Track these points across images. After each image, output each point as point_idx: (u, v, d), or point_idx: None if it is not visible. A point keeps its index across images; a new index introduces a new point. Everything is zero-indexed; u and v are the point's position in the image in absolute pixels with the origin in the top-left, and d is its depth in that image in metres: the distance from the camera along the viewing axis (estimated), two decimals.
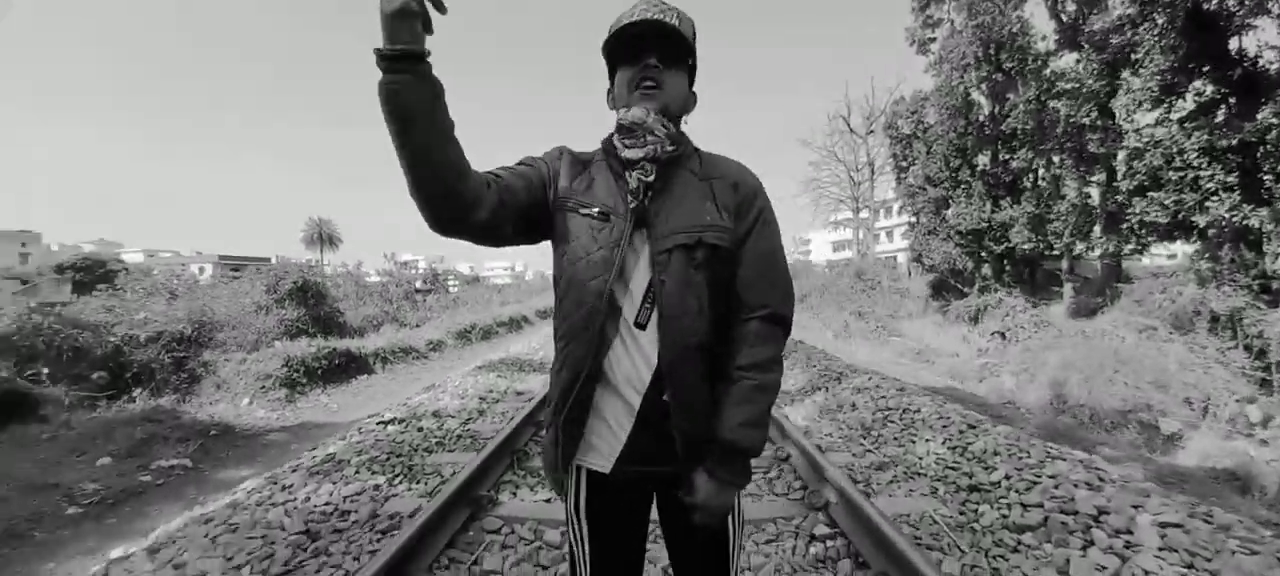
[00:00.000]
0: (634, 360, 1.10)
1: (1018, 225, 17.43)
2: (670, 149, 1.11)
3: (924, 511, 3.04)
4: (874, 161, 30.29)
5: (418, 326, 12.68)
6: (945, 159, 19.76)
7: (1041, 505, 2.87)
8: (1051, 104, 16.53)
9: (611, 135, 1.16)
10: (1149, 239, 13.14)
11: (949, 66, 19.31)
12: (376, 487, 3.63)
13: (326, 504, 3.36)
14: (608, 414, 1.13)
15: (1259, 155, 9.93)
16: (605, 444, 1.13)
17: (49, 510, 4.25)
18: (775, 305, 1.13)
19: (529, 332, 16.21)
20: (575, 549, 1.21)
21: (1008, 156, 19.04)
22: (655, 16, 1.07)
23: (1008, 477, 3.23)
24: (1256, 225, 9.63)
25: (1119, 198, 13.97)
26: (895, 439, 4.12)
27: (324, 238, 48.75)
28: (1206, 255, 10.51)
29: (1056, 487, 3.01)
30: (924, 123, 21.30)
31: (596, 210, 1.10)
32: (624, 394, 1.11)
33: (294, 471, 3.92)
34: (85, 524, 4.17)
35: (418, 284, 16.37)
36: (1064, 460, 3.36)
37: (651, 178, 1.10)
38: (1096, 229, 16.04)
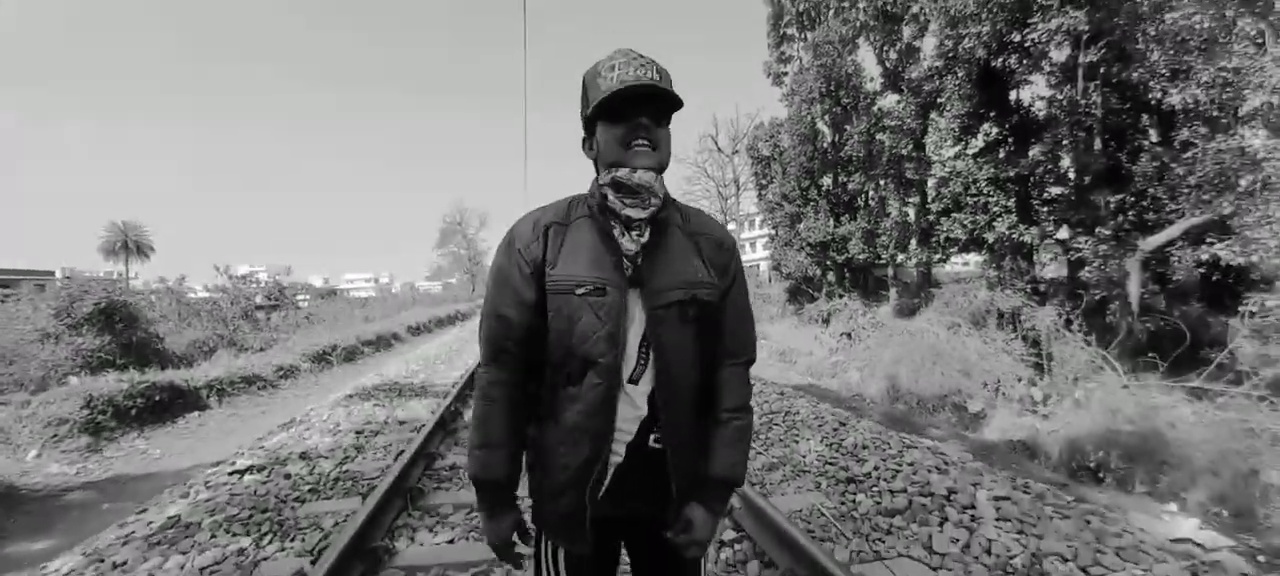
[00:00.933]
0: (623, 414, 1.12)
1: (854, 238, 20.05)
2: (661, 208, 1.13)
3: (813, 505, 3.39)
4: (739, 178, 32.77)
5: (262, 350, 11.08)
6: (797, 180, 22.05)
7: (905, 491, 3.36)
8: (878, 136, 19.29)
9: (600, 192, 1.13)
10: (952, 250, 15.88)
11: (799, 98, 21.62)
12: (241, 552, 3.15)
13: None
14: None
15: (1030, 184, 12.54)
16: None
17: None
18: (750, 353, 1.25)
19: (402, 351, 14.94)
20: None
21: (846, 179, 21.80)
22: (649, 81, 1.05)
23: (876, 468, 3.72)
24: (1029, 241, 12.14)
25: (929, 217, 16.70)
26: (780, 440, 4.52)
27: (129, 246, 40.39)
28: (994, 264, 12.99)
29: (914, 474, 3.54)
30: (779, 146, 23.55)
31: (591, 285, 1.08)
32: (612, 447, 1.15)
33: (125, 543, 3.25)
34: None
35: (258, 299, 14.29)
36: (917, 449, 3.96)
37: (646, 238, 1.12)
38: (913, 242, 19.00)
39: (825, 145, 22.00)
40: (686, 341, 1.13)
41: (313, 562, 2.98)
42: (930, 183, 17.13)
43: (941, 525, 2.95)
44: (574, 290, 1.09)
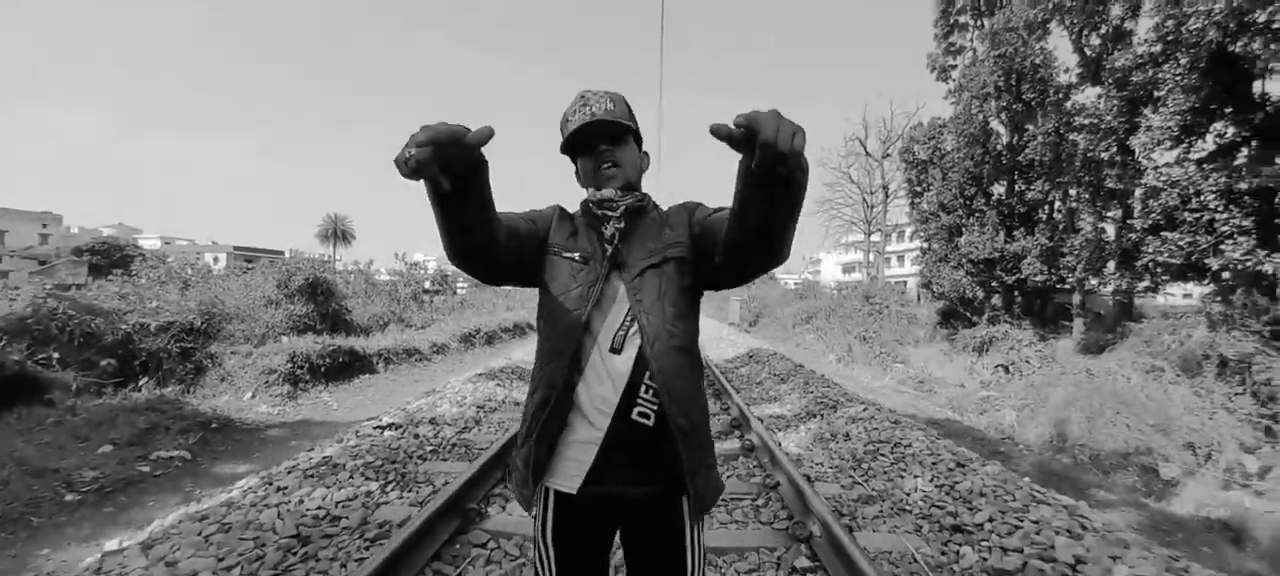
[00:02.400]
0: (603, 384, 1.21)
1: (1030, 256, 17.31)
2: (635, 205, 1.34)
3: (906, 549, 3.04)
4: (888, 185, 30.21)
5: (423, 328, 12.81)
6: (960, 186, 19.68)
7: (1021, 550, 2.86)
8: (1070, 137, 16.45)
9: (587, 202, 1.38)
10: (1163, 278, 12.99)
11: (969, 94, 19.31)
12: (369, 494, 3.69)
13: (319, 508, 3.42)
14: (576, 436, 1.22)
15: (1276, 201, 9.82)
16: (572, 466, 1.22)
17: (48, 495, 4.35)
18: None
19: (532, 339, 16.29)
20: (540, 571, 1.28)
21: (1023, 187, 18.94)
22: (596, 118, 1.27)
23: (991, 520, 3.22)
24: (1270, 270, 9.50)
25: (1134, 235, 13.83)
26: (885, 472, 4.11)
27: (338, 233, 49.35)
28: (1218, 298, 10.37)
29: (1037, 533, 3.00)
30: (941, 149, 21.24)
31: (577, 255, 1.28)
32: (591, 418, 1.21)
33: (289, 472, 3.99)
34: (83, 511, 4.27)
35: (426, 284, 16.51)
36: (1049, 505, 3.35)
37: (623, 225, 1.31)
38: (1110, 265, 15.87)
39: (999, 147, 19.37)
40: (665, 295, 1.24)
41: (417, 511, 3.39)
42: (1137, 194, 14.18)
43: None
44: (562, 253, 1.30)
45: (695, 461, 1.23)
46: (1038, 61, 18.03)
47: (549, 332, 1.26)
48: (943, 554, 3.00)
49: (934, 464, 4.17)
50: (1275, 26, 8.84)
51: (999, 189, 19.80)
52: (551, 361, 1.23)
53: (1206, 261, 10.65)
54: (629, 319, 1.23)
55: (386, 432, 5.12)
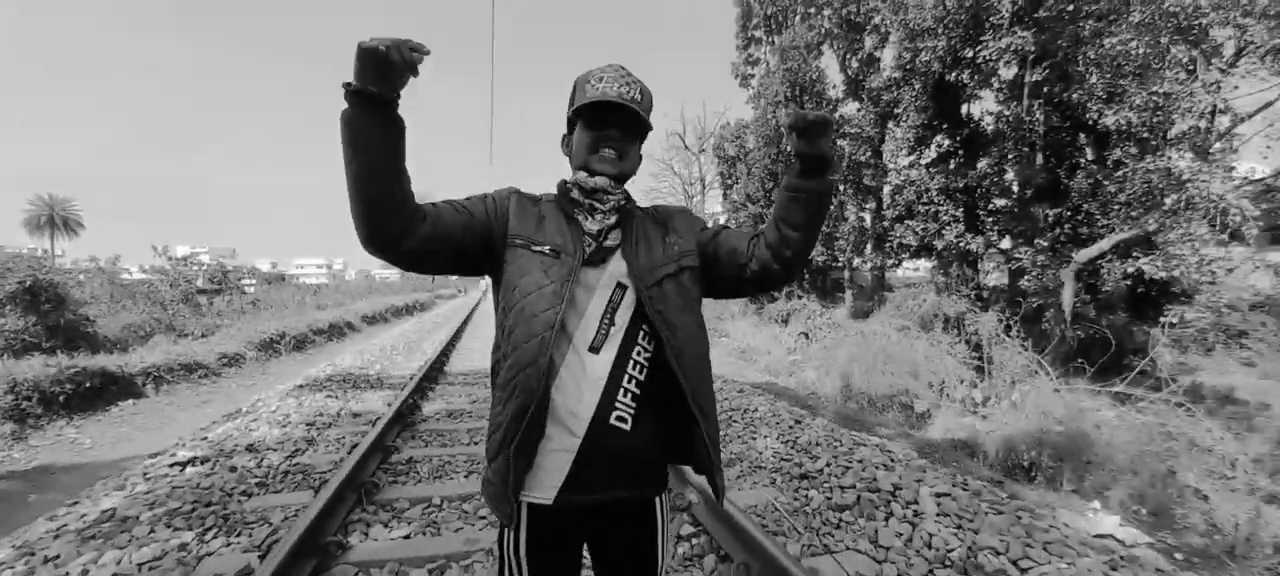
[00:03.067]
0: (579, 387, 1.15)
1: None
2: (623, 203, 1.27)
3: (767, 501, 3.51)
4: (705, 177, 33.11)
5: (204, 336, 10.55)
6: (762, 181, 22.43)
7: (854, 487, 3.52)
8: (839, 143, 19.91)
9: (567, 185, 1.27)
10: (904, 256, 16.54)
11: (764, 100, 22.01)
12: (184, 546, 3.03)
13: (115, 575, 2.72)
14: (552, 444, 1.15)
15: (977, 195, 13.20)
16: (548, 476, 1.16)
17: None
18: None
19: (357, 341, 14.44)
20: None
21: None
22: (625, 99, 1.18)
23: (828, 465, 3.88)
24: (974, 249, 12.78)
25: (884, 223, 17.36)
26: (739, 437, 4.65)
27: (56, 221, 37.42)
28: (942, 271, 13.61)
29: (863, 470, 3.71)
30: (745, 147, 23.92)
31: (548, 248, 1.18)
32: (568, 424, 1.15)
33: (56, 537, 3.08)
34: None
35: (200, 283, 13.58)
36: (866, 446, 4.15)
37: (613, 222, 1.23)
38: (868, 247, 19.66)
39: (788, 149, 22.51)
40: (688, 305, 1.22)
41: (261, 558, 2.90)
42: (886, 190, 17.79)
43: (887, 520, 3.12)
44: (530, 246, 1.19)
45: (716, 458, 1.25)
46: (814, 77, 21.32)
47: (520, 333, 1.14)
48: (795, 499, 3.53)
49: (777, 423, 4.84)
50: (978, 61, 11.80)
51: None
52: (526, 366, 1.11)
53: (934, 242, 13.90)
54: (607, 317, 1.18)
55: (188, 469, 4.21)
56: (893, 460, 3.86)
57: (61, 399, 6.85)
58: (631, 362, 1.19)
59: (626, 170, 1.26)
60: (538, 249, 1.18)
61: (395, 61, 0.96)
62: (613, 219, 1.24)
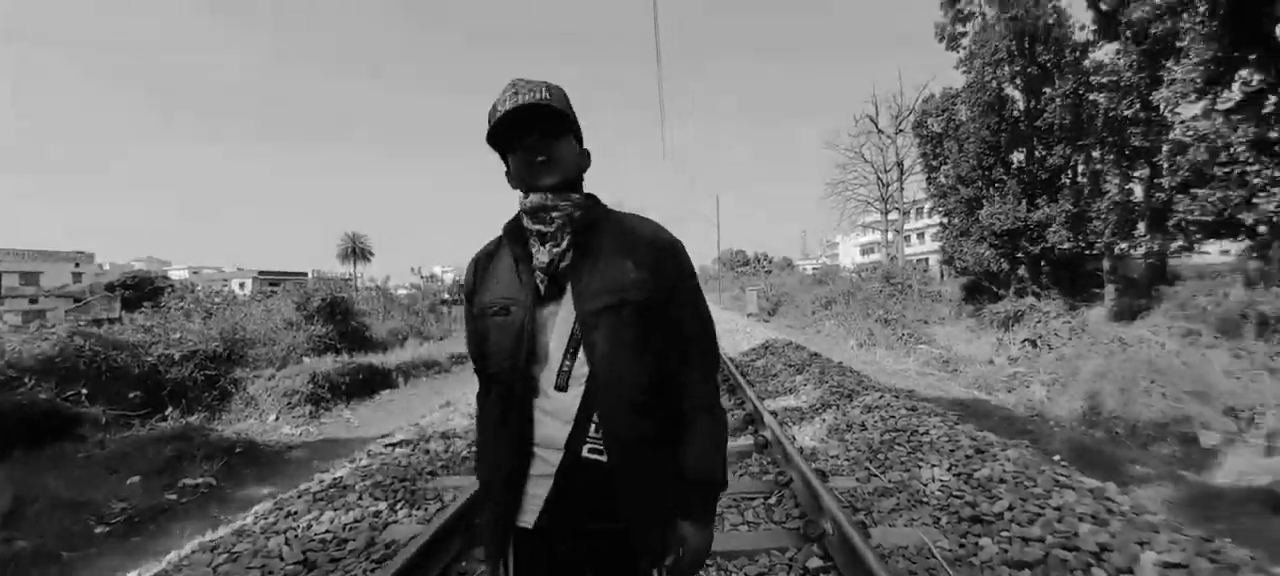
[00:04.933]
0: (551, 420, 1.12)
1: (1055, 224, 16.77)
2: (581, 214, 1.15)
3: (923, 543, 2.93)
4: (903, 161, 29.58)
5: (441, 339, 12.94)
6: (978, 157, 19.16)
7: (1043, 539, 2.73)
8: (1090, 97, 15.89)
9: (517, 218, 1.20)
10: (1196, 237, 12.46)
11: (981, 61, 18.78)
12: (377, 514, 3.70)
13: (326, 531, 3.44)
14: (532, 470, 1.15)
15: None
16: (531, 502, 1.15)
17: (78, 529, 4.47)
18: (708, 355, 1.22)
19: None
20: None
21: (1044, 153, 18.37)
22: (526, 101, 1.10)
23: (1011, 508, 3.09)
24: None
25: (1163, 194, 13.33)
26: (902, 463, 3.99)
27: (357, 251, 50.23)
28: (1255, 254, 9.89)
29: (1060, 520, 2.86)
30: (955, 120, 20.70)
31: (497, 307, 1.16)
32: (544, 454, 1.13)
33: (300, 497, 4.03)
34: (112, 543, 4.38)
35: (443, 296, 16.68)
36: (1073, 490, 3.20)
37: (565, 245, 1.14)
38: (1140, 227, 15.31)
39: (1016, 114, 18.80)
40: (623, 345, 1.11)
41: (424, 529, 3.38)
42: (1163, 151, 13.64)
43: None
44: (486, 312, 1.19)
45: (646, 513, 1.13)
46: (1051, 21, 17.44)
47: (493, 391, 1.18)
48: (961, 546, 2.88)
49: (952, 451, 4.03)
50: None
51: (1018, 156, 19.21)
52: (503, 425, 1.15)
53: (1240, 216, 10.17)
54: (570, 357, 1.12)
55: (397, 450, 5.15)
56: (1110, 511, 2.90)
57: (344, 387, 8.99)
58: None
59: (568, 172, 1.16)
60: (493, 312, 1.17)
61: None
62: (564, 241, 1.13)
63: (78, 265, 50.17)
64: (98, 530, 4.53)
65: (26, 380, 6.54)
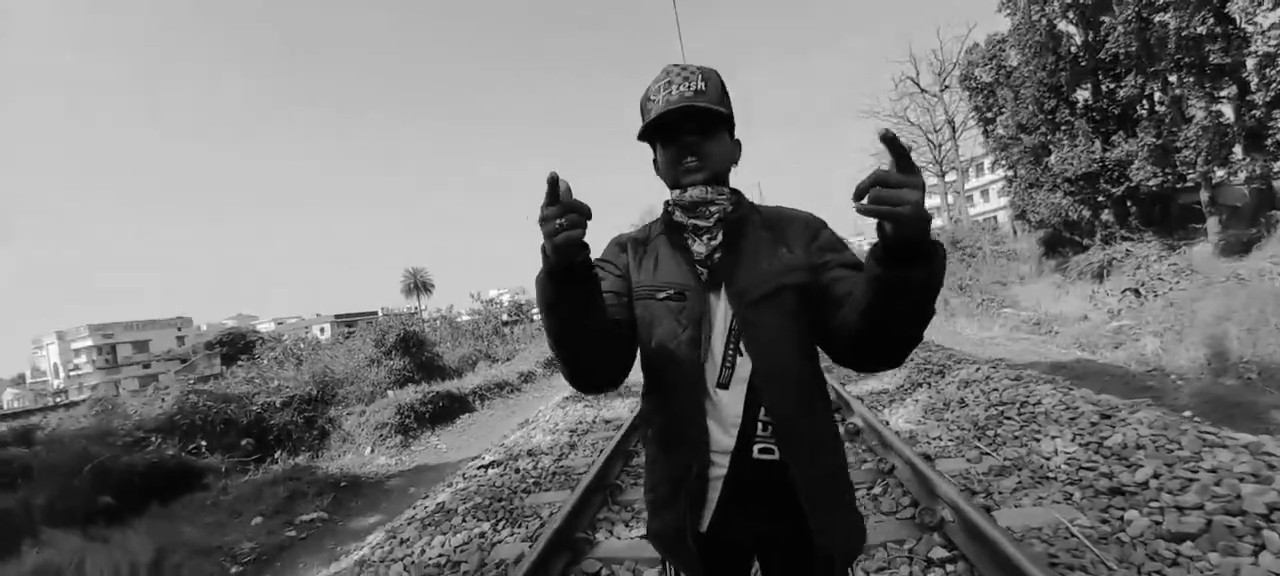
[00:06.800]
0: (716, 424, 1.09)
1: (1138, 160, 15.43)
2: (732, 210, 1.15)
3: (1058, 522, 2.71)
4: (954, 119, 28.05)
5: (508, 360, 13.31)
6: (1037, 101, 17.92)
7: (1201, 507, 2.47)
8: (1156, 18, 14.53)
9: (669, 210, 1.19)
10: None
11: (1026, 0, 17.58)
12: (482, 535, 3.80)
13: (439, 555, 3.56)
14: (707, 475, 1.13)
15: None
16: (704, 508, 1.13)
17: (215, 571, 4.84)
18: None
19: None
20: None
21: (1112, 86, 16.95)
22: (685, 103, 1.07)
23: (1157, 476, 2.82)
24: None
25: (1257, 111, 12.01)
26: (1015, 438, 3.73)
27: (419, 285, 52.64)
28: None
29: (1217, 484, 2.58)
30: (1005, 67, 19.46)
31: (672, 291, 1.12)
32: (715, 459, 1.11)
33: (409, 524, 4.20)
34: None
35: (504, 318, 17.15)
36: (1226, 448, 2.88)
37: (719, 239, 1.13)
38: (1236, 150, 13.86)
39: (1073, 49, 17.42)
40: (784, 334, 1.09)
41: (530, 547, 3.45)
42: (1249, 65, 12.30)
43: (1256, 554, 2.10)
44: (655, 294, 1.14)
45: (825, 505, 1.08)
46: None
47: (667, 382, 1.12)
48: (1102, 523, 2.65)
49: (1073, 419, 3.73)
50: None
51: (1084, 95, 17.82)
52: (681, 419, 1.10)
53: None
54: (731, 353, 1.09)
55: (489, 471, 5.29)
56: (1272, 467, 2.60)
57: (427, 415, 9.36)
58: None
59: (718, 169, 1.15)
60: (663, 296, 1.13)
61: (577, 239, 0.88)
62: (718, 236, 1.13)
63: (180, 329, 55.06)
64: (233, 570, 4.89)
65: (153, 438, 7.19)
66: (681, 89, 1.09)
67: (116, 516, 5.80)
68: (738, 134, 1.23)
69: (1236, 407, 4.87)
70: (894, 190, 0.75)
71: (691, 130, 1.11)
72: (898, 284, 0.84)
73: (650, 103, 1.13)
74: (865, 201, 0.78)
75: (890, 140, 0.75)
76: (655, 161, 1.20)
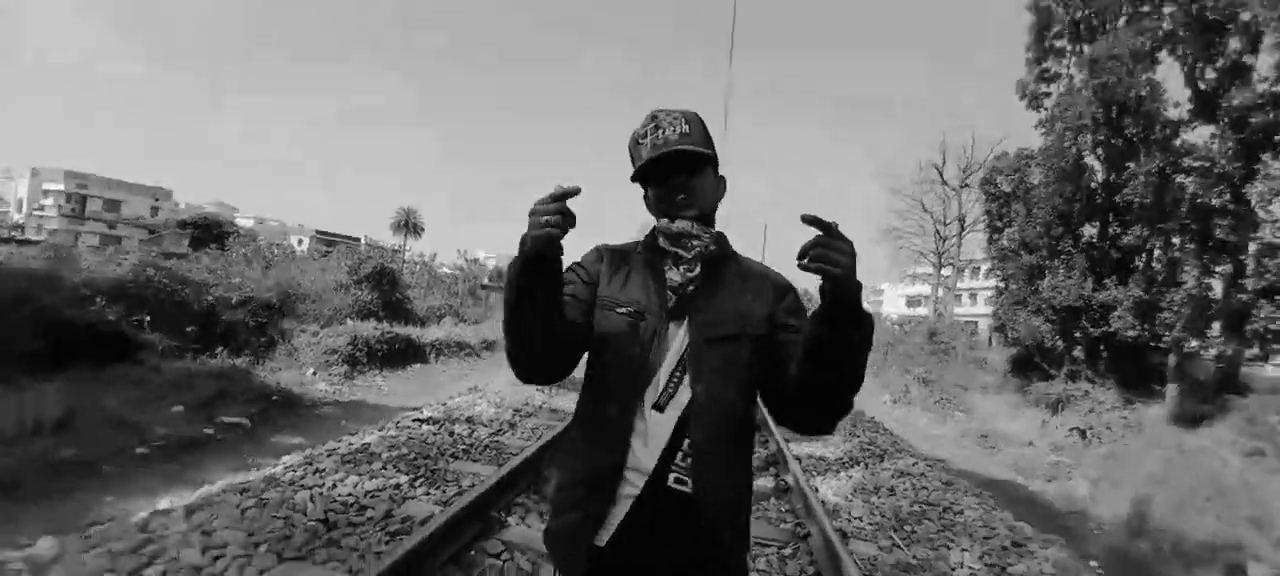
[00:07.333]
0: (646, 444, 1.12)
1: (1121, 308, 15.81)
2: (713, 248, 1.21)
3: None
4: (965, 216, 28.59)
5: (477, 323, 13.22)
6: (1047, 224, 18.27)
7: None
8: (1177, 179, 14.96)
9: (654, 234, 1.25)
10: (1275, 348, 11.56)
11: (1062, 126, 17.96)
12: (397, 487, 3.77)
13: (349, 495, 3.53)
14: (619, 494, 1.15)
15: None
16: (608, 524, 1.14)
17: (122, 447, 4.74)
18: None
19: None
20: None
21: (1119, 231, 17.36)
22: (671, 147, 1.15)
23: None
24: None
25: (1245, 296, 12.42)
26: (929, 540, 3.81)
27: (409, 225, 51.96)
28: None
29: None
30: (1027, 182, 19.85)
31: (632, 309, 1.17)
32: (630, 478, 1.13)
33: (329, 455, 4.16)
34: (149, 465, 4.62)
35: (484, 281, 17.03)
36: None
37: (696, 272, 1.19)
38: (1214, 327, 14.30)
39: (1093, 185, 17.84)
40: (731, 376, 1.14)
41: (440, 511, 3.43)
42: (1251, 249, 12.74)
43: None
44: (616, 308, 1.19)
45: (727, 547, 1.14)
46: (1143, 94, 16.49)
47: (606, 392, 1.17)
48: None
49: (986, 538, 3.82)
50: None
51: (1090, 230, 18.24)
52: (609, 429, 1.14)
53: None
54: (676, 379, 1.14)
55: (423, 426, 5.26)
56: None
57: (380, 354, 9.27)
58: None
59: (705, 207, 1.22)
60: (622, 311, 1.18)
61: (557, 235, 0.97)
62: (697, 269, 1.19)
63: (157, 200, 53.66)
64: (139, 450, 4.79)
65: (98, 300, 7.01)
66: (668, 133, 1.16)
67: (40, 367, 5.64)
68: (722, 171, 1.30)
69: (1140, 570, 5.02)
70: (829, 251, 0.88)
71: (680, 171, 1.18)
72: (834, 342, 0.96)
73: (639, 146, 1.19)
74: (806, 260, 0.90)
75: (811, 219, 0.89)
76: (646, 199, 1.28)
